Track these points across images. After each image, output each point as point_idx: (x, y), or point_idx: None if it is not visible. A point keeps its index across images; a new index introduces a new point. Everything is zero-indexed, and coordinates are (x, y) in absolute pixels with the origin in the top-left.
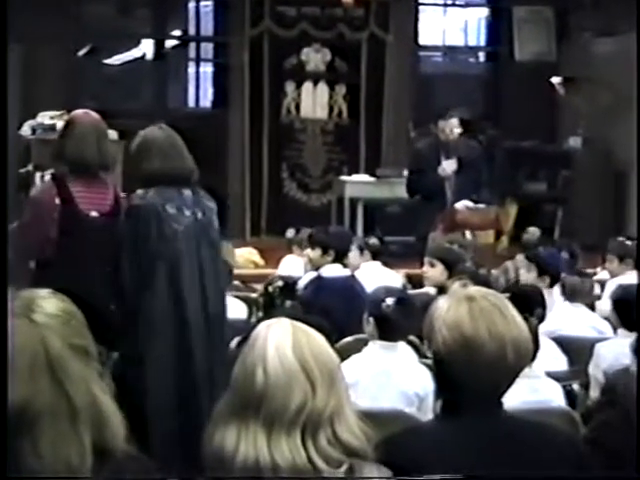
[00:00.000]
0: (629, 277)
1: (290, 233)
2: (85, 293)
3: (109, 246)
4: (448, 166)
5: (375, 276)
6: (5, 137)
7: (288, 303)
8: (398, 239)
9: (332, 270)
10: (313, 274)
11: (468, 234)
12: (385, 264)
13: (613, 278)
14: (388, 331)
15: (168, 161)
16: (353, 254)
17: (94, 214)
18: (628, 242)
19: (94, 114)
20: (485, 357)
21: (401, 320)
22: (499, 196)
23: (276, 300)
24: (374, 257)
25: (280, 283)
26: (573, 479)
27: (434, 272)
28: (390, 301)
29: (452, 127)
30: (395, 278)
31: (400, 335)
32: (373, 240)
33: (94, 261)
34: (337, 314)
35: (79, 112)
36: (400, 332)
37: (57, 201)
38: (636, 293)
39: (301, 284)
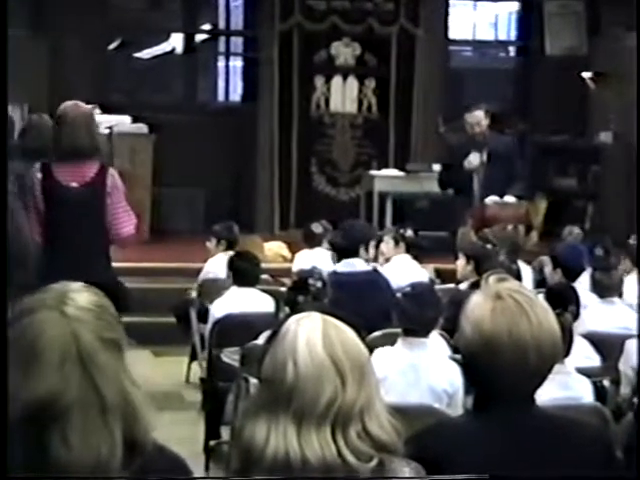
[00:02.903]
0: None
1: (316, 227)
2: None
3: (88, 213)
4: (474, 159)
5: (404, 269)
6: (5, 137)
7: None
8: (428, 234)
9: (349, 265)
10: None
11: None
12: (415, 258)
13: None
14: (409, 325)
15: None
16: (386, 245)
17: (74, 185)
18: None
19: (84, 105)
20: (504, 358)
21: (421, 313)
22: (529, 191)
23: (316, 297)
24: (408, 250)
25: (319, 284)
26: (575, 479)
27: (463, 267)
28: (408, 294)
29: (478, 120)
30: (423, 272)
31: (422, 329)
32: (409, 232)
33: (76, 228)
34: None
35: (70, 104)
36: (422, 326)
37: (39, 176)
38: None
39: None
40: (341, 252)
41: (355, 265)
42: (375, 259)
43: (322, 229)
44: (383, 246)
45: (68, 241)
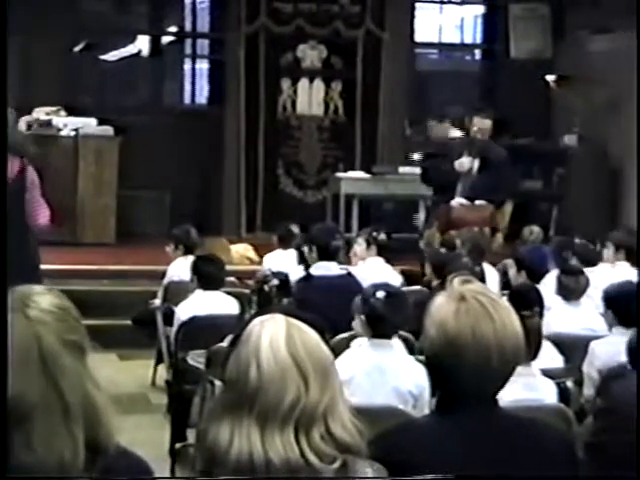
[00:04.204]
0: (620, 268)
1: (294, 228)
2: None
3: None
4: (466, 162)
5: (376, 272)
6: (5, 136)
7: (285, 301)
8: (395, 236)
9: (323, 268)
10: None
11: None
12: (388, 260)
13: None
14: (378, 326)
15: None
16: (360, 247)
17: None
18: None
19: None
20: (467, 359)
21: (391, 315)
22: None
23: (273, 299)
24: (379, 252)
25: (276, 282)
26: (575, 479)
27: (428, 271)
28: (379, 296)
29: (486, 127)
30: (395, 274)
31: (391, 330)
32: (382, 235)
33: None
34: (326, 312)
35: None
36: (390, 327)
37: None
38: (629, 289)
39: (292, 280)
40: (319, 254)
41: (330, 268)
42: (348, 261)
43: (298, 230)
44: (356, 248)
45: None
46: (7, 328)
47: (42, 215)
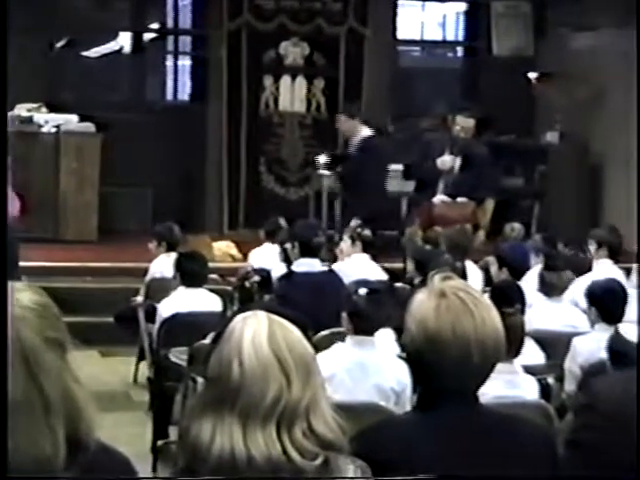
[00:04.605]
0: (603, 264)
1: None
2: None
3: None
4: (449, 161)
5: (361, 269)
6: (5, 136)
7: (266, 297)
8: (379, 232)
9: (305, 265)
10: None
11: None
12: (374, 257)
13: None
14: (361, 324)
15: None
16: (345, 243)
17: None
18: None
19: None
20: (448, 355)
21: (372, 312)
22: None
23: (254, 295)
24: (365, 249)
25: (257, 278)
26: (572, 479)
27: (409, 268)
28: (362, 293)
29: (470, 126)
30: (380, 271)
31: (373, 328)
32: (366, 232)
33: None
34: (307, 309)
35: None
36: (373, 325)
37: None
38: (612, 286)
39: (274, 277)
40: (301, 251)
41: (313, 265)
42: (334, 258)
43: (285, 225)
44: (342, 244)
45: None
46: (7, 328)
47: (11, 206)
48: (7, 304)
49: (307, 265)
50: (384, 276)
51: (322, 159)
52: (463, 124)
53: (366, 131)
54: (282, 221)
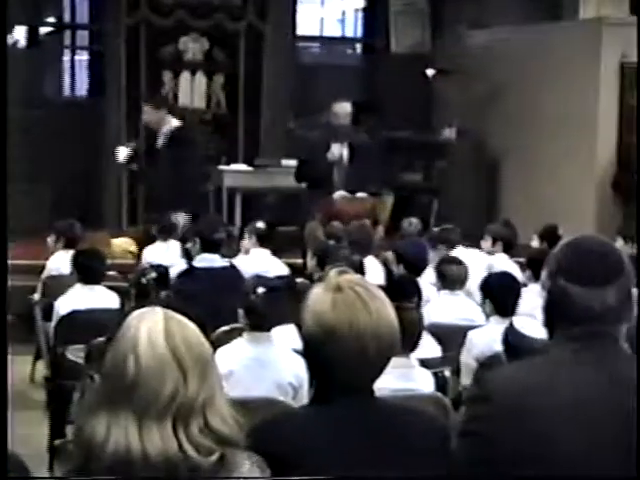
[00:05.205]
0: (499, 258)
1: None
2: None
3: None
4: (336, 150)
5: (262, 264)
6: (5, 135)
7: (163, 294)
8: (279, 229)
9: (206, 260)
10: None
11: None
12: (275, 252)
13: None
14: (256, 320)
15: None
16: (248, 239)
17: None
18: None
19: None
20: (344, 349)
21: (269, 309)
22: (379, 186)
23: (151, 292)
24: (261, 243)
25: (154, 274)
26: (571, 479)
27: (309, 262)
28: (259, 291)
29: (347, 111)
30: (282, 266)
31: (269, 324)
32: (259, 225)
33: None
34: (207, 304)
35: None
36: (269, 321)
37: None
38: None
39: (173, 273)
40: (202, 247)
41: (213, 260)
42: (236, 254)
43: (181, 221)
44: (245, 240)
45: None
46: (7, 328)
47: None
48: (6, 305)
49: (207, 261)
50: (285, 270)
51: (122, 153)
52: (338, 109)
53: (174, 122)
54: (180, 217)
